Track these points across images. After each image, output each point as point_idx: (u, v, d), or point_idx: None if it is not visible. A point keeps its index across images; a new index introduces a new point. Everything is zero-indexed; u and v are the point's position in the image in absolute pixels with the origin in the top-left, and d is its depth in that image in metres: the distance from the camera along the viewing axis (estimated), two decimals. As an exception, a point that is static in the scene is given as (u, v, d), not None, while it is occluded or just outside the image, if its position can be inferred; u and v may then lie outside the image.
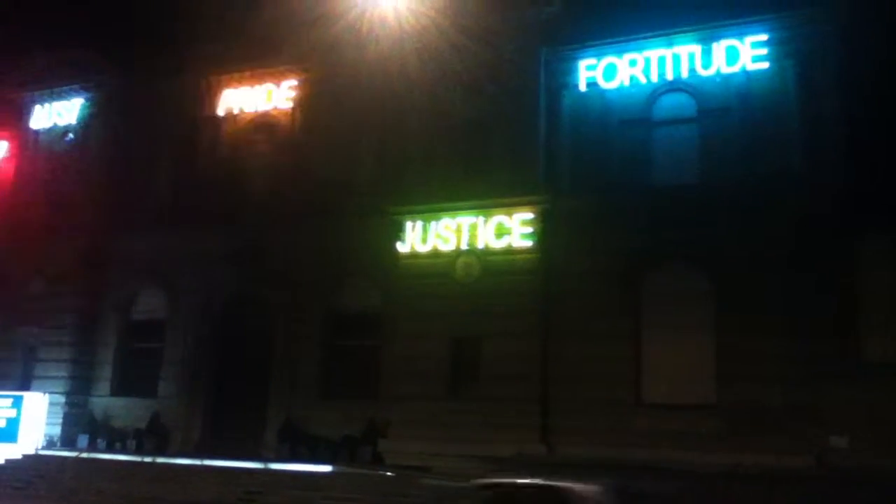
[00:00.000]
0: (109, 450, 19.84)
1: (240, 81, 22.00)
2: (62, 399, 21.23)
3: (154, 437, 20.08)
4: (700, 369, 15.87)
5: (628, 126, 17.84)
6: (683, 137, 17.51)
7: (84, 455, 19.40)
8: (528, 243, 17.58)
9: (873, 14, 15.45)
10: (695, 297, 16.27)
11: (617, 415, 15.98)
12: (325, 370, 19.50)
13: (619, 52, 18.17)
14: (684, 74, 17.62)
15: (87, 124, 23.38)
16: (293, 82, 21.49)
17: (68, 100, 23.61)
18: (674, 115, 17.85)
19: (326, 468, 16.79)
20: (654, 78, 17.84)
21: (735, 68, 17.16)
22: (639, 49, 18.05)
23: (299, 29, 20.30)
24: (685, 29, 17.65)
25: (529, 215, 17.68)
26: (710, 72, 17.37)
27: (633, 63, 18.05)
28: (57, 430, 20.99)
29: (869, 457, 13.60)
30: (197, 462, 17.99)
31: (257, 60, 21.47)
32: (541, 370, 16.83)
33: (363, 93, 19.98)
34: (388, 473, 16.35)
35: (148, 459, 18.50)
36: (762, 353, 15.09)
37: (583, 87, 18.36)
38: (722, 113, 17.13)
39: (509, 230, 17.80)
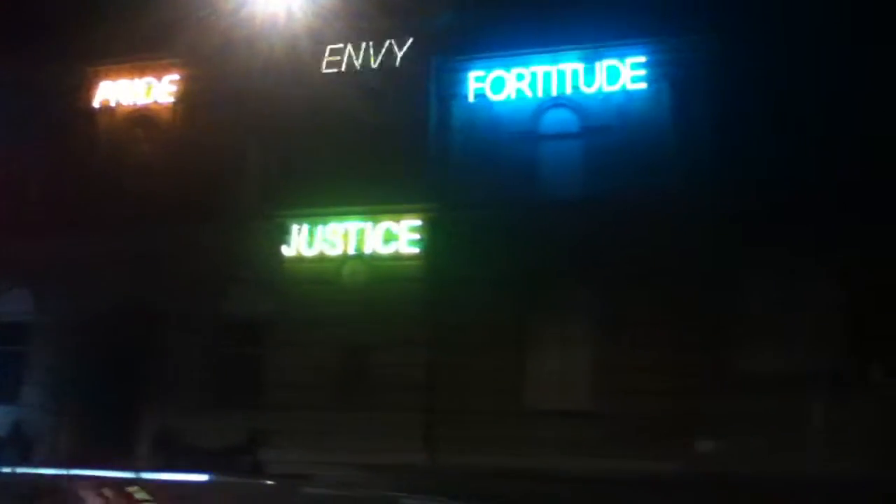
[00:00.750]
0: (-36, 461, 18.57)
1: (118, 73, 21.03)
2: None
3: (16, 446, 18.91)
4: (581, 379, 16.48)
5: (515, 139, 18.26)
6: (567, 153, 18.11)
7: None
8: (415, 250, 17.76)
9: (746, 45, 16.44)
10: (576, 309, 16.92)
11: (501, 423, 16.30)
12: (207, 378, 18.88)
13: (508, 66, 18.58)
14: (568, 91, 18.22)
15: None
16: (175, 77, 20.78)
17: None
18: (558, 131, 18.42)
19: (203, 477, 16.33)
20: (540, 93, 18.35)
21: (616, 87, 17.91)
22: (526, 64, 18.51)
23: (186, 22, 19.63)
24: (570, 47, 18.24)
25: (417, 222, 17.87)
26: (593, 90, 18.05)
27: (520, 77, 18.49)
28: None
29: (739, 461, 14.41)
30: (62, 473, 17.10)
31: (138, 52, 20.61)
32: (426, 378, 17.01)
33: (251, 92, 19.47)
34: (269, 482, 16.09)
35: (6, 470, 17.42)
36: (641, 363, 15.80)
37: (472, 98, 18.67)
38: (603, 130, 17.81)
39: (396, 236, 17.94)
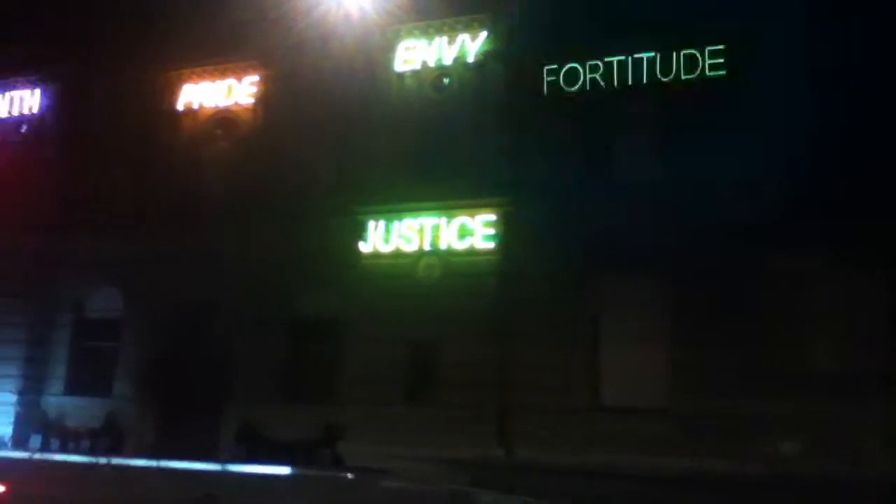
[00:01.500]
0: (63, 450, 19.49)
1: (200, 76, 21.68)
2: (14, 398, 20.80)
3: (109, 437, 19.78)
4: (656, 375, 16.13)
5: (590, 131, 17.95)
6: (643, 144, 17.72)
7: (36, 456, 19.05)
8: (490, 245, 17.69)
9: (825, 31, 15.73)
10: (651, 304, 16.52)
11: (574, 419, 16.12)
12: (283, 373, 19.35)
13: (582, 57, 18.23)
14: (644, 80, 17.82)
15: (42, 117, 22.84)
16: (255, 78, 21.27)
17: (23, 91, 23.03)
18: (634, 122, 18.04)
19: (286, 470, 16.71)
20: (615, 83, 17.95)
21: (694, 76, 17.38)
22: (600, 54, 18.09)
23: (264, 24, 20.08)
24: (646, 35, 17.77)
25: (492, 217, 17.78)
26: (670, 78, 17.56)
27: (594, 68, 18.11)
28: (9, 430, 20.58)
29: (821, 464, 13.91)
30: (153, 463, 17.78)
31: (219, 56, 21.18)
32: (499, 374, 16.93)
33: (326, 91, 19.84)
34: (349, 475, 16.34)
35: (102, 461, 18.25)
36: (716, 360, 15.30)
37: (546, 91, 18.41)
38: (680, 120, 17.34)
39: (472, 231, 17.90)
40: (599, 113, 18.00)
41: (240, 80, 21.38)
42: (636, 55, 17.80)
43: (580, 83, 18.13)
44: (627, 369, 16.43)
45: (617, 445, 15.38)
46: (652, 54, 17.67)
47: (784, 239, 15.50)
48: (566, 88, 18.19)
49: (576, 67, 18.18)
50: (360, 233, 18.57)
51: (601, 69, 18.02)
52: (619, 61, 17.90)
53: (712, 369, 15.28)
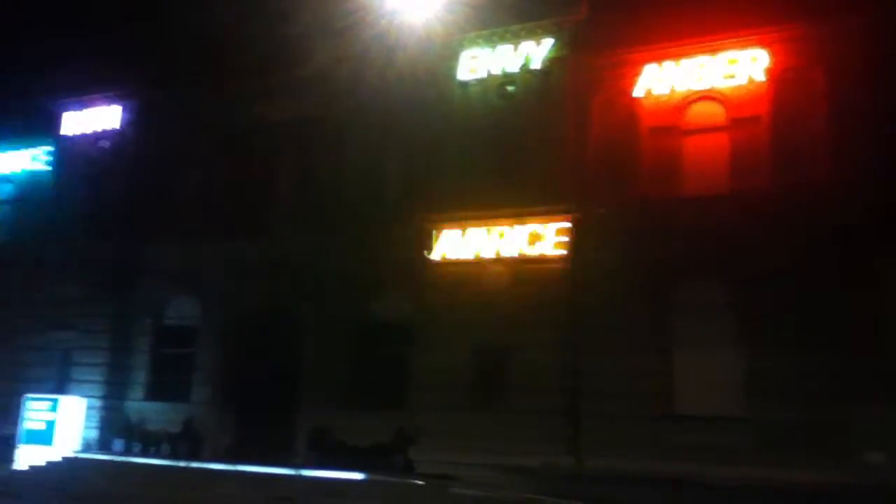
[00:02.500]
0: (144, 454, 20.18)
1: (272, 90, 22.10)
2: (98, 403, 21.63)
3: (187, 441, 20.37)
4: (731, 382, 15.84)
5: (659, 134, 17.77)
6: (714, 146, 17.45)
7: (119, 459, 19.79)
8: (561, 253, 17.63)
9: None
10: (725, 311, 16.24)
11: (647, 427, 15.97)
12: (354, 379, 19.66)
13: (649, 60, 18.09)
14: (714, 82, 17.56)
15: (121, 133, 23.67)
16: (321, 89, 21.60)
17: (102, 108, 23.87)
18: (704, 123, 17.77)
19: (358, 475, 16.97)
20: (684, 86, 17.77)
21: (765, 75, 17.06)
22: (668, 57, 17.95)
23: (328, 35, 20.35)
24: (715, 36, 17.53)
25: (563, 224, 17.70)
26: (741, 80, 17.28)
27: (662, 70, 17.97)
28: (93, 434, 21.39)
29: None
30: (230, 467, 18.28)
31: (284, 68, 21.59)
32: (569, 382, 16.88)
33: (392, 99, 20.09)
34: (419, 482, 16.50)
35: (182, 464, 18.86)
36: (796, 367, 14.95)
37: (613, 95, 18.32)
38: (752, 121, 17.04)
39: (542, 238, 17.85)
40: (669, 115, 17.78)
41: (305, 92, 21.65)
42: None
43: (648, 85, 17.98)
44: (703, 377, 16.16)
45: (691, 455, 15.14)
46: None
47: (867, 241, 15.10)
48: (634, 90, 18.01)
49: (643, 71, 18.01)
50: (428, 241, 18.71)
51: (669, 71, 17.82)
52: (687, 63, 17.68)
53: (792, 376, 14.94)
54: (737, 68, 17.32)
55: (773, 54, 17.08)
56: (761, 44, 17.18)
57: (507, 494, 15.60)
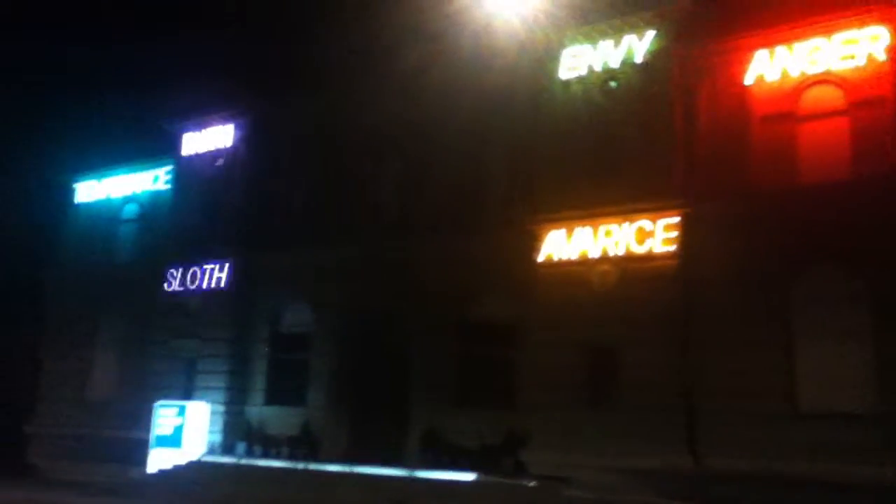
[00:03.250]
0: (265, 456, 20.88)
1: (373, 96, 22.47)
2: (221, 408, 22.56)
3: (305, 444, 20.96)
4: (858, 377, 14.97)
5: (772, 123, 17.05)
6: (832, 132, 16.60)
7: (242, 461, 20.55)
8: (670, 249, 17.14)
9: None
10: (848, 302, 15.35)
11: (767, 426, 15.26)
12: (462, 380, 19.72)
13: (758, 45, 17.40)
14: (830, 65, 16.73)
15: (235, 149, 24.71)
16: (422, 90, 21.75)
17: (218, 127, 25.01)
18: (821, 109, 16.93)
19: (470, 477, 16.99)
20: (798, 70, 17.00)
21: (886, 55, 16.12)
22: (779, 41, 17.21)
23: (424, 35, 20.54)
24: (829, 16, 16.73)
25: (671, 220, 17.20)
26: (860, 61, 16.37)
27: (773, 56, 17.24)
28: (218, 438, 22.33)
29: None
30: (346, 469, 18.67)
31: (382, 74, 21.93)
32: (683, 380, 16.33)
33: (492, 100, 20.12)
34: (530, 484, 16.35)
35: (300, 466, 19.41)
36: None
37: (720, 84, 17.72)
38: (874, 103, 16.10)
39: (651, 234, 17.40)
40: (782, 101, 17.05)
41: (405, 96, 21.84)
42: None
43: (758, 72, 17.33)
44: (826, 372, 15.36)
45: (815, 453, 14.47)
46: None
47: None
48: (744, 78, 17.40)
49: (752, 57, 17.36)
50: (534, 241, 18.59)
51: (781, 55, 17.11)
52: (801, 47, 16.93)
53: None
54: (855, 48, 16.47)
55: (895, 31, 16.13)
56: (882, 20, 16.26)
57: (625, 499, 15.23)
